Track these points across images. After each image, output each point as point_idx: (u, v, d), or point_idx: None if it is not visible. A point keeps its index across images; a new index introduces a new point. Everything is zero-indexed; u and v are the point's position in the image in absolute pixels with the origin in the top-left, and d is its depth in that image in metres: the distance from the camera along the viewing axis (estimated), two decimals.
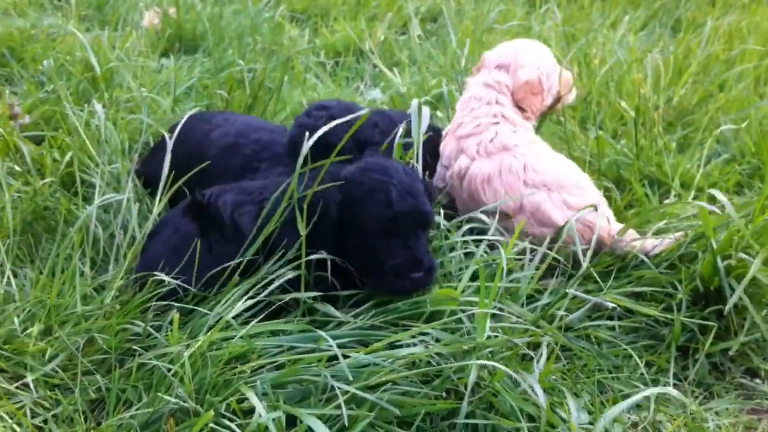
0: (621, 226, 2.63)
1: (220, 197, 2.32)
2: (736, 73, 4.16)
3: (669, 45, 4.58)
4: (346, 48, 4.56)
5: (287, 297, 2.11)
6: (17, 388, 2.04)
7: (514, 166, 2.63)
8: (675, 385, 2.31)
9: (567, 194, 2.60)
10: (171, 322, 2.00)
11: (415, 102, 2.62)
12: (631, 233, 2.62)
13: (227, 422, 1.82)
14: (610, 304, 2.24)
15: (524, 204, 2.58)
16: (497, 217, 2.53)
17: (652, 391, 2.02)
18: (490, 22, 4.57)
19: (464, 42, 3.95)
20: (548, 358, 2.07)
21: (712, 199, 2.66)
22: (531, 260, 2.45)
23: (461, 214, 2.67)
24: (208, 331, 2.02)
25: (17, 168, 2.83)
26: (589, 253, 2.46)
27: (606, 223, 2.60)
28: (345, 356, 1.93)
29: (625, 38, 4.70)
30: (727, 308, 2.33)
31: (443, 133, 2.92)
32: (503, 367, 1.92)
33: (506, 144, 2.68)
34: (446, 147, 2.85)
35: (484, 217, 2.55)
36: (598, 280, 2.48)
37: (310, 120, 2.59)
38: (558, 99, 2.99)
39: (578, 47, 4.29)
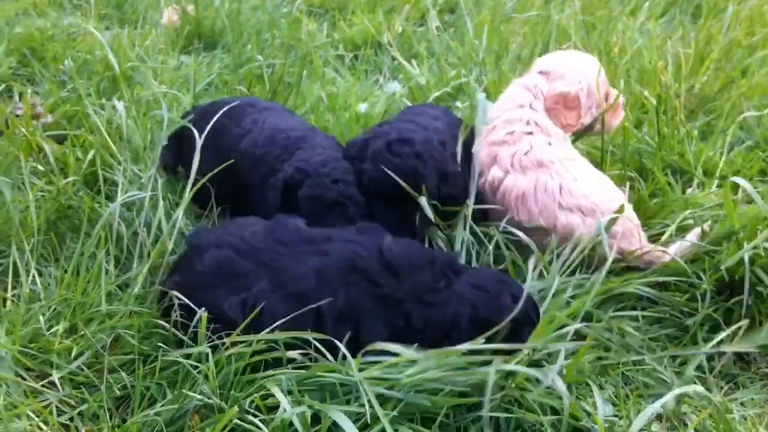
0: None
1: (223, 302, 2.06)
2: (758, 59, 4.11)
3: (690, 32, 4.52)
4: (364, 41, 4.55)
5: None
6: (43, 386, 2.06)
7: (549, 186, 2.57)
8: (699, 378, 2.30)
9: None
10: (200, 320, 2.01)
11: (481, 96, 2.59)
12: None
13: (251, 418, 1.84)
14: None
15: (558, 226, 2.54)
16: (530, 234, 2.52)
17: (676, 391, 2.01)
18: (507, 12, 4.55)
19: (481, 32, 3.94)
20: (573, 354, 2.07)
21: (736, 187, 2.63)
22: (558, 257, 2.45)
23: (491, 221, 2.66)
24: None
25: (40, 167, 2.85)
26: (615, 247, 2.44)
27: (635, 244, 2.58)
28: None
29: (644, 26, 4.65)
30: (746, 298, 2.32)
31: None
32: (523, 369, 1.91)
33: (542, 160, 2.62)
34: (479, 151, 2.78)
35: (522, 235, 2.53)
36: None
37: (394, 158, 2.50)
38: (597, 120, 2.91)
39: (598, 35, 4.27)
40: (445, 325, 2.02)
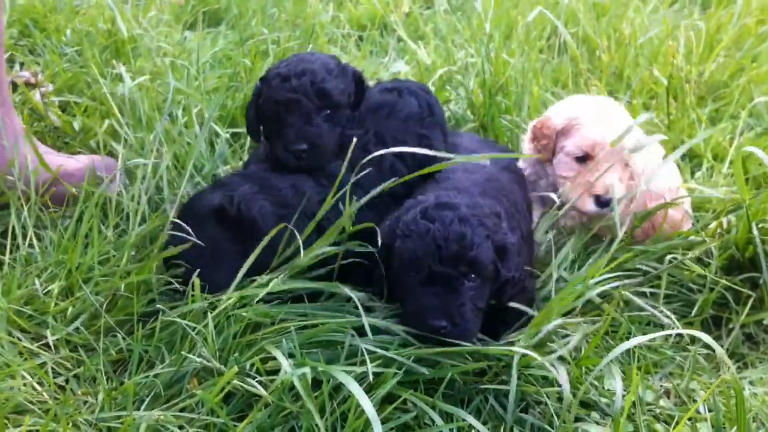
0: None
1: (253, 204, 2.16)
2: None
3: (699, 21, 4.47)
4: (370, 21, 4.50)
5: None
6: (39, 347, 2.02)
7: None
8: (708, 356, 2.25)
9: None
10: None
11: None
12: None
13: (251, 380, 1.79)
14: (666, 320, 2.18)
15: None
16: None
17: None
18: None
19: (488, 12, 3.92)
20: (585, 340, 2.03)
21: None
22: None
23: None
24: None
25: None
26: (628, 222, 2.40)
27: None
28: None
29: (655, 13, 4.60)
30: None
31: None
32: (533, 354, 1.86)
33: None
34: None
35: None
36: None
37: (432, 224, 1.88)
38: None
39: (607, 21, 4.22)
40: None
